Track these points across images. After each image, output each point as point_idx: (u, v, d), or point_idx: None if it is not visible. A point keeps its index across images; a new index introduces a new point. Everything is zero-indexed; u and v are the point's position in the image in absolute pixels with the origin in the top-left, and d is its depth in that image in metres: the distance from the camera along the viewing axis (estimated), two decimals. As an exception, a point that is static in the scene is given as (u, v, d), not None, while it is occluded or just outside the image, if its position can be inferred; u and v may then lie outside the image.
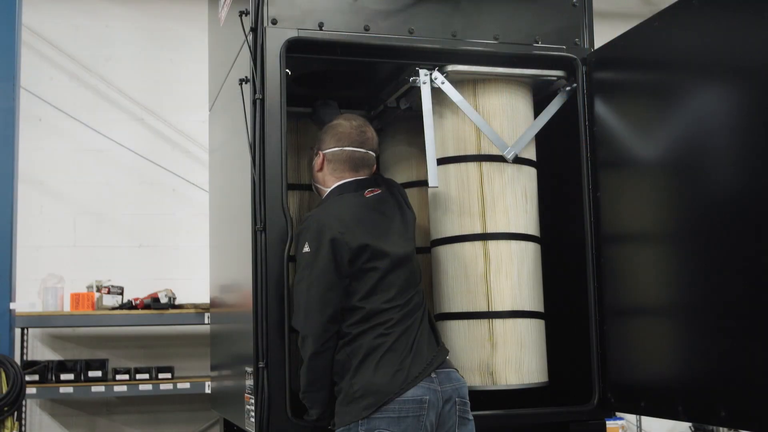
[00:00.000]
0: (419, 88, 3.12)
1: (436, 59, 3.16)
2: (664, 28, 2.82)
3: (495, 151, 3.15)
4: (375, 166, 3.10)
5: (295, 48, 2.99)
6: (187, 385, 5.48)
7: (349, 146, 2.97)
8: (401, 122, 3.71)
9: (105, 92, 6.23)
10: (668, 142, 2.80)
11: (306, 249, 2.76)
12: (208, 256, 4.35)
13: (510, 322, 3.07)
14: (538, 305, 3.19)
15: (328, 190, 2.98)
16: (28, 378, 5.14)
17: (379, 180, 3.07)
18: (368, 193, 2.94)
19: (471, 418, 2.76)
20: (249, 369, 2.97)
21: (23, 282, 5.01)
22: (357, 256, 2.73)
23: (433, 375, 2.68)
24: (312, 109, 3.42)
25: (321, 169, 3.00)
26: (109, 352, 5.90)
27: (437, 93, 3.16)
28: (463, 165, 3.17)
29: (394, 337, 2.70)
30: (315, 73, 3.42)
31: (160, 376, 5.52)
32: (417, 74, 3.13)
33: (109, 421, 5.97)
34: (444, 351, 2.82)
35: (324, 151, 2.99)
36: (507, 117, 3.21)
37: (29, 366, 5.41)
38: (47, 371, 5.43)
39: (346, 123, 3.00)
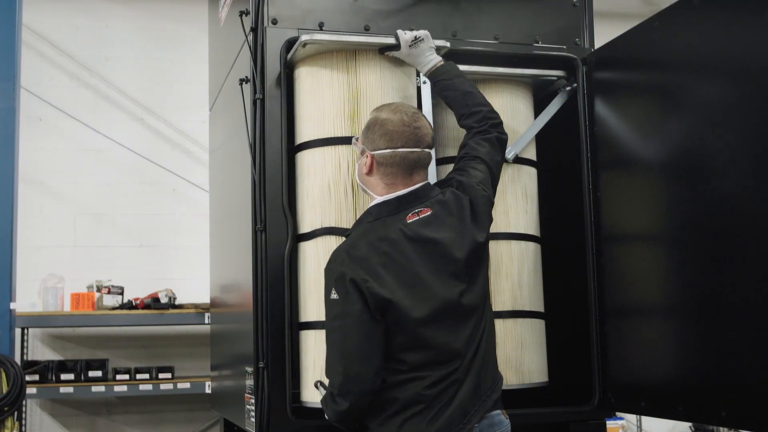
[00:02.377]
0: (419, 88, 3.12)
1: (436, 59, 3.16)
2: (664, 28, 2.82)
3: (495, 151, 3.14)
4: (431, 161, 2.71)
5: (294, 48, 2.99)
6: (187, 385, 5.48)
7: (402, 147, 2.52)
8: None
9: (105, 92, 6.24)
10: (668, 142, 2.80)
11: (334, 296, 2.41)
12: (208, 256, 4.35)
13: (510, 322, 3.06)
14: (538, 305, 3.19)
15: (369, 206, 2.59)
16: (28, 378, 5.14)
17: (434, 192, 2.59)
18: (411, 217, 2.49)
19: None
20: (249, 369, 2.97)
21: (23, 282, 5.02)
22: (384, 310, 2.38)
23: (475, 426, 2.43)
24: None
25: (370, 172, 2.57)
26: (109, 352, 5.90)
27: (437, 93, 3.16)
28: (463, 165, 3.17)
29: (434, 391, 2.39)
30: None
31: (160, 376, 5.52)
32: (417, 74, 3.13)
33: (109, 421, 5.97)
34: (494, 393, 2.50)
35: (373, 153, 2.55)
36: (507, 117, 3.20)
37: (29, 366, 5.42)
38: (47, 371, 5.44)
39: (396, 117, 2.54)
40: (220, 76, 3.89)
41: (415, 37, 2.87)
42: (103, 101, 6.22)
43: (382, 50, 2.92)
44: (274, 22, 2.99)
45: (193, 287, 5.87)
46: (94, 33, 6.27)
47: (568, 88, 3.29)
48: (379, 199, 2.56)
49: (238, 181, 3.29)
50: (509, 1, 3.26)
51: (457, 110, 2.87)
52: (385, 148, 2.53)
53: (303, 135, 2.95)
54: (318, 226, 2.84)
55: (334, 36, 2.91)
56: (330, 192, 2.84)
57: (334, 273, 2.43)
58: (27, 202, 5.77)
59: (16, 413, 4.20)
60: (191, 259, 6.12)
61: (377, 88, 2.88)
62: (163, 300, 5.55)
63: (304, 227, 2.90)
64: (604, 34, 3.30)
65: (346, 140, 2.83)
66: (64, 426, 5.90)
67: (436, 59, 2.91)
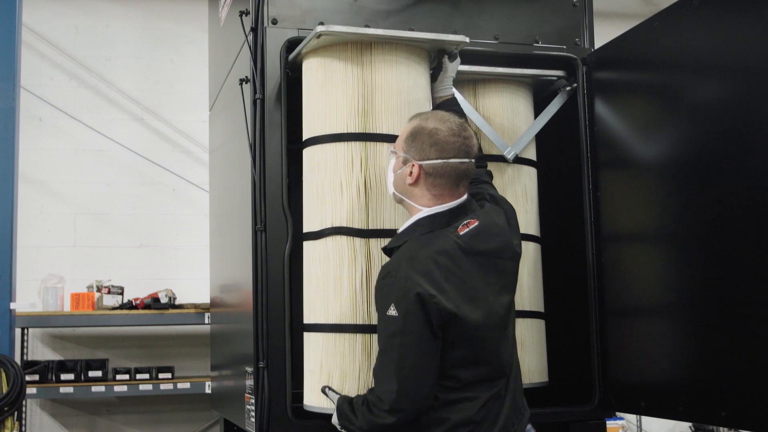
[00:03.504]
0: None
1: (436, 59, 3.16)
2: (664, 28, 2.82)
3: (495, 151, 3.15)
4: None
5: (295, 48, 2.99)
6: (187, 385, 5.48)
7: (454, 158, 2.45)
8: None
9: (105, 92, 6.24)
10: (668, 141, 2.80)
11: (392, 312, 2.32)
12: (208, 256, 4.35)
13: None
14: (538, 305, 3.19)
15: (416, 217, 2.49)
16: (28, 378, 5.14)
17: (474, 205, 2.57)
18: (462, 228, 2.44)
19: None
20: (249, 369, 2.97)
21: (23, 282, 5.02)
22: (448, 324, 2.32)
23: None
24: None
25: (416, 182, 2.47)
26: (109, 352, 5.90)
27: (437, 93, 3.16)
28: (463, 165, 3.17)
29: (483, 412, 2.38)
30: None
31: (160, 376, 5.52)
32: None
33: (109, 421, 5.97)
34: (526, 410, 2.52)
35: (422, 163, 2.45)
36: (507, 117, 3.21)
37: (29, 366, 5.42)
38: (47, 371, 5.44)
39: (445, 127, 2.47)
40: (220, 76, 3.89)
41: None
42: (103, 101, 6.22)
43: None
44: (274, 22, 2.99)
45: (193, 287, 5.87)
46: (94, 33, 6.27)
47: (568, 88, 3.30)
48: (428, 211, 2.47)
49: (238, 181, 3.29)
50: (509, 1, 3.26)
51: None
52: (436, 159, 2.44)
53: (312, 129, 2.85)
54: (328, 225, 2.76)
55: (352, 28, 2.81)
56: (342, 190, 2.75)
57: (395, 288, 2.33)
58: (27, 202, 5.78)
59: (16, 413, 4.19)
60: (191, 259, 6.12)
61: (393, 83, 2.79)
62: (163, 300, 5.55)
63: (312, 225, 2.81)
64: (604, 34, 3.30)
65: (359, 137, 2.75)
66: (64, 426, 5.90)
67: (452, 89, 2.96)
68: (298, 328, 2.88)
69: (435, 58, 2.92)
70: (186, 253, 6.17)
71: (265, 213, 2.89)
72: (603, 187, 3.14)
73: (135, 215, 6.17)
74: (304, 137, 2.88)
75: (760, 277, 2.38)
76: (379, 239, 2.71)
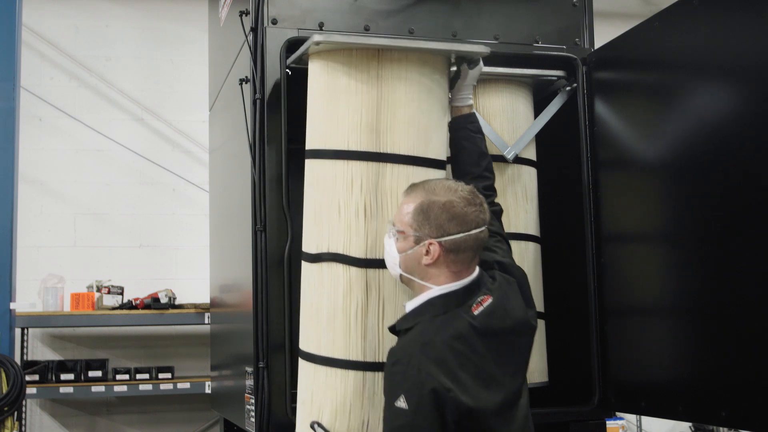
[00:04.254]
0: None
1: (436, 59, 3.16)
2: (664, 28, 2.82)
3: (495, 151, 3.14)
4: None
5: (295, 48, 2.99)
6: (187, 385, 5.48)
7: (474, 228, 2.28)
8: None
9: (105, 92, 6.24)
10: (668, 141, 2.80)
11: (402, 404, 2.11)
12: (208, 256, 4.35)
13: (510, 322, 3.06)
14: (538, 305, 3.18)
15: (427, 296, 2.29)
16: (28, 378, 5.14)
17: (485, 278, 2.36)
18: (476, 307, 2.26)
19: None
20: (249, 369, 2.97)
21: (23, 282, 5.02)
22: (463, 418, 2.14)
23: None
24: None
25: (434, 263, 2.27)
26: (109, 352, 5.91)
27: (437, 93, 3.16)
28: (463, 165, 3.17)
29: None
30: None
31: (160, 376, 5.53)
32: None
33: (109, 421, 5.97)
34: None
35: (443, 240, 2.26)
36: (507, 117, 3.20)
37: (29, 366, 5.42)
38: (47, 371, 5.44)
39: (458, 197, 2.29)
40: (220, 76, 3.88)
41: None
42: (103, 101, 6.22)
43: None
44: (274, 22, 2.99)
45: (193, 287, 5.88)
46: (94, 33, 6.27)
47: (568, 88, 3.29)
48: (440, 290, 2.28)
49: (238, 181, 3.29)
50: (509, 1, 3.26)
51: (467, 165, 2.72)
52: (458, 233, 2.25)
53: (314, 140, 2.69)
54: (324, 250, 2.60)
55: (353, 37, 2.67)
56: (339, 212, 2.58)
57: (406, 379, 2.13)
58: (27, 202, 5.78)
59: (16, 413, 4.19)
60: (191, 259, 6.12)
61: (403, 96, 2.60)
62: (163, 300, 5.55)
63: (309, 246, 2.67)
64: (604, 34, 3.30)
65: (362, 155, 2.58)
66: (64, 426, 5.90)
67: (470, 99, 2.79)
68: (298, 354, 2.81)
69: (454, 63, 2.75)
70: (186, 253, 6.17)
71: (265, 213, 2.89)
72: (603, 187, 3.14)
73: (135, 215, 6.17)
74: (307, 146, 2.72)
75: (760, 277, 2.38)
76: (378, 270, 2.57)
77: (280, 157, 2.91)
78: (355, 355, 2.54)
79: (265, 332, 2.84)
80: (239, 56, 3.31)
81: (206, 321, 5.39)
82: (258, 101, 2.93)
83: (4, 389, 4.07)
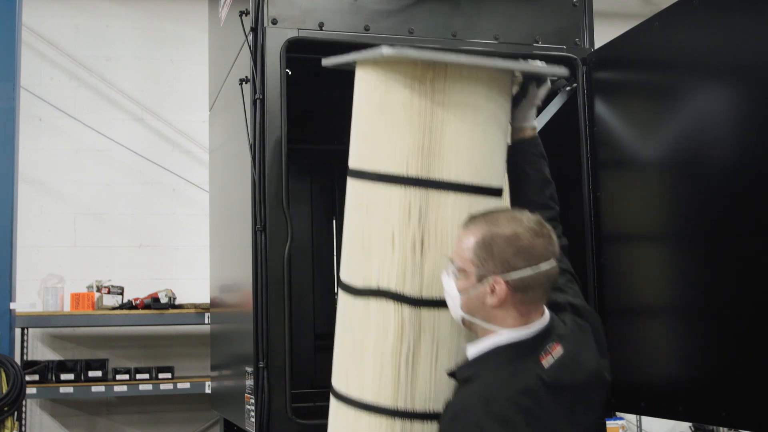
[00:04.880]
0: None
1: (436, 59, 3.15)
2: (664, 28, 2.82)
3: (495, 151, 3.14)
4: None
5: (295, 48, 2.99)
6: (187, 385, 5.48)
7: (545, 263, 2.05)
8: (401, 122, 3.70)
9: (105, 92, 6.24)
10: (668, 141, 2.80)
11: None
12: (208, 256, 4.35)
13: (510, 322, 3.05)
14: (538, 305, 3.19)
15: (493, 342, 2.06)
16: (28, 378, 5.14)
17: (556, 322, 2.13)
18: (545, 357, 2.03)
19: None
20: (249, 369, 2.97)
21: (23, 282, 5.02)
22: None
23: None
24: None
25: (501, 304, 2.05)
26: (109, 352, 5.91)
27: (437, 93, 3.15)
28: (463, 165, 3.16)
29: None
30: (315, 72, 3.42)
31: (160, 376, 5.53)
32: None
33: (109, 421, 5.97)
34: None
35: (509, 276, 2.03)
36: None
37: (29, 366, 5.42)
38: (47, 371, 5.44)
39: (523, 228, 2.06)
40: (220, 76, 3.89)
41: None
42: (103, 101, 6.22)
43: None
44: (274, 22, 2.99)
45: (193, 287, 5.88)
46: (94, 33, 6.27)
47: (568, 88, 3.29)
48: (508, 336, 2.05)
49: (238, 181, 3.29)
50: (509, 1, 3.26)
51: (530, 193, 2.53)
52: (524, 268, 2.02)
53: (362, 158, 2.42)
54: (373, 285, 2.32)
55: (427, 53, 2.34)
56: (393, 244, 2.29)
57: None
58: (27, 202, 5.78)
59: (16, 413, 4.19)
60: (191, 259, 6.12)
61: (467, 118, 2.34)
62: (163, 300, 5.55)
63: (353, 277, 2.38)
64: (604, 34, 3.30)
65: (421, 182, 2.30)
66: (64, 426, 5.90)
67: (535, 121, 2.57)
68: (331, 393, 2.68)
69: (519, 80, 2.53)
70: (186, 253, 6.17)
71: (265, 213, 2.89)
72: (603, 187, 3.14)
73: (135, 215, 6.17)
74: (352, 163, 2.46)
75: (761, 276, 2.38)
76: (433, 309, 2.30)
77: (280, 157, 2.91)
78: (404, 404, 2.28)
79: (265, 332, 2.84)
80: (239, 56, 3.31)
81: (206, 321, 5.39)
82: (258, 101, 2.93)
83: (4, 389, 4.07)
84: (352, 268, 2.38)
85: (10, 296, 4.34)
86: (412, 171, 2.30)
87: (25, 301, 5.25)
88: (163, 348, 6.07)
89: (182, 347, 6.06)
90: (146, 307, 5.55)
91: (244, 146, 3.07)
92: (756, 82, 2.42)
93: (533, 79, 2.51)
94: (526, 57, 2.58)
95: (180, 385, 5.49)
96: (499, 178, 2.46)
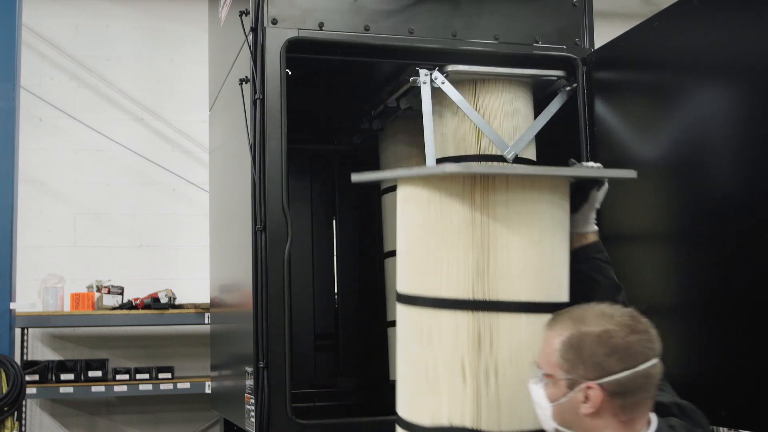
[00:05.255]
0: (419, 88, 3.12)
1: (436, 59, 3.16)
2: (664, 28, 2.82)
3: (495, 151, 3.14)
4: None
5: (295, 48, 2.99)
6: (187, 385, 5.48)
7: (644, 363, 1.81)
8: (401, 122, 3.71)
9: (105, 92, 6.23)
10: (668, 142, 2.80)
11: None
12: (208, 256, 4.35)
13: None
14: (538, 305, 3.18)
15: None
16: (28, 378, 5.14)
17: (663, 427, 1.91)
18: None
19: None
20: (249, 369, 2.97)
21: (23, 282, 5.01)
22: None
23: None
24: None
25: (599, 411, 1.79)
26: (109, 352, 5.90)
27: (437, 93, 3.16)
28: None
29: None
30: (315, 72, 3.42)
31: (160, 376, 5.52)
32: (417, 74, 3.13)
33: (109, 421, 5.97)
34: None
35: (603, 381, 1.78)
36: (507, 117, 3.20)
37: (29, 366, 5.42)
38: (47, 371, 5.44)
39: (615, 324, 1.83)
40: (220, 76, 3.89)
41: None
42: (103, 101, 6.22)
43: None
44: (274, 22, 2.99)
45: (193, 287, 5.87)
46: (94, 33, 6.27)
47: (568, 88, 3.30)
48: None
49: (238, 181, 3.29)
50: (509, 1, 3.26)
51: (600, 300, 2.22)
52: (622, 371, 1.77)
53: (417, 281, 2.17)
54: (444, 423, 2.07)
55: (484, 168, 2.22)
56: (464, 375, 2.05)
57: None
58: (27, 202, 5.77)
59: (16, 413, 4.19)
60: (191, 259, 6.12)
61: (533, 232, 2.13)
62: (163, 300, 5.55)
63: (419, 416, 2.12)
64: (604, 34, 3.30)
65: (487, 305, 2.08)
66: (64, 426, 5.90)
67: (596, 225, 2.36)
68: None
69: (577, 184, 2.33)
70: (186, 253, 6.17)
71: (265, 213, 2.89)
72: (603, 187, 3.14)
73: (135, 215, 6.17)
74: (403, 288, 2.21)
75: (761, 276, 2.38)
76: None
77: (280, 157, 2.91)
78: None
79: (265, 332, 2.84)
80: (239, 56, 3.31)
81: (206, 321, 5.38)
82: (258, 101, 2.93)
83: (4, 389, 4.07)
84: (416, 406, 2.13)
85: (10, 296, 4.34)
86: (478, 293, 2.07)
87: (25, 301, 5.24)
88: (163, 348, 6.07)
89: (182, 347, 6.06)
90: (146, 307, 5.55)
91: (244, 146, 3.07)
92: (756, 81, 2.42)
93: (594, 182, 2.32)
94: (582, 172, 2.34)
95: (180, 385, 5.49)
96: (567, 291, 2.24)
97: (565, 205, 2.23)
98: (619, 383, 1.78)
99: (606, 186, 2.34)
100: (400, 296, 2.22)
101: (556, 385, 1.84)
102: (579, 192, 2.30)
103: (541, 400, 1.88)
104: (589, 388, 1.79)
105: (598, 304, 1.95)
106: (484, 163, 3.02)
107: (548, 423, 1.88)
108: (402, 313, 2.21)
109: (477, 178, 2.09)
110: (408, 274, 2.20)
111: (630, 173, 2.25)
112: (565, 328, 1.87)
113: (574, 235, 2.32)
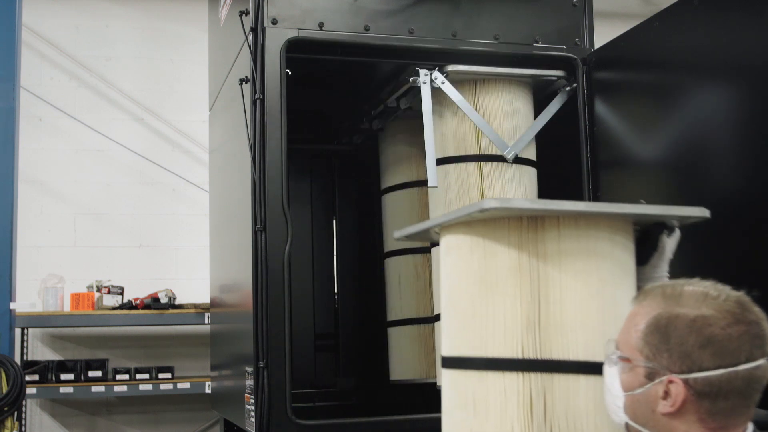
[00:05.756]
0: (419, 88, 3.12)
1: (436, 59, 3.16)
2: (664, 28, 2.82)
3: (495, 151, 3.15)
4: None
5: (295, 48, 2.99)
6: (187, 385, 5.48)
7: (746, 362, 1.46)
8: (401, 122, 3.71)
9: (105, 92, 6.23)
10: (668, 141, 2.80)
11: None
12: (208, 256, 4.35)
13: (510, 322, 3.03)
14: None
15: None
16: (28, 378, 5.14)
17: None
18: None
19: None
20: (249, 369, 2.97)
21: (23, 282, 5.01)
22: None
23: None
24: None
25: (680, 410, 1.47)
26: (109, 352, 5.90)
27: (437, 93, 3.16)
28: (463, 165, 3.17)
29: None
30: (315, 72, 3.42)
31: (160, 376, 5.52)
32: (417, 74, 3.13)
33: (109, 421, 5.97)
34: None
35: (690, 377, 1.46)
36: (507, 117, 3.21)
37: (29, 366, 5.41)
38: (47, 371, 5.43)
39: (715, 310, 1.49)
40: (220, 76, 3.89)
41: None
42: (103, 101, 6.22)
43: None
44: (274, 22, 2.99)
45: (193, 287, 5.87)
46: (94, 33, 6.27)
47: (568, 88, 3.30)
48: None
49: (238, 181, 3.29)
50: (509, 1, 3.26)
51: None
52: (715, 368, 1.45)
53: (461, 340, 1.94)
54: None
55: (537, 203, 2.00)
56: None
57: None
58: (27, 202, 5.77)
59: (15, 413, 4.19)
60: (191, 259, 6.12)
61: (591, 282, 1.84)
62: (163, 300, 5.55)
63: None
64: (604, 34, 3.30)
65: (541, 365, 1.81)
66: (64, 426, 5.89)
67: (667, 276, 2.06)
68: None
69: (644, 231, 2.03)
70: (186, 253, 6.17)
71: (265, 213, 2.89)
72: (603, 187, 3.14)
73: (135, 215, 6.17)
74: (447, 350, 1.98)
75: (761, 276, 2.38)
76: None
77: (280, 157, 2.91)
78: None
79: (265, 332, 2.85)
80: (239, 56, 3.31)
81: (206, 321, 5.38)
82: (258, 101, 2.93)
83: (4, 389, 4.07)
84: None
85: (10, 296, 4.34)
86: (529, 351, 1.81)
87: (25, 301, 5.24)
88: (163, 348, 6.06)
89: (182, 347, 6.06)
90: (146, 307, 5.55)
91: (244, 146, 3.07)
92: (756, 81, 2.42)
93: (662, 227, 2.02)
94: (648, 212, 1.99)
95: (180, 385, 5.48)
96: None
97: (629, 245, 1.94)
98: (709, 382, 1.45)
99: (678, 234, 2.02)
100: (443, 360, 1.99)
101: (633, 372, 1.53)
102: (647, 239, 2.00)
103: (613, 386, 1.58)
104: (671, 382, 1.47)
105: (701, 280, 1.60)
106: (528, 197, 2.90)
107: (618, 415, 1.58)
108: (445, 377, 1.98)
109: (523, 218, 1.87)
110: (449, 333, 1.96)
111: (702, 212, 1.97)
112: (653, 305, 1.54)
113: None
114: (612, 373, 1.59)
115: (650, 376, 1.51)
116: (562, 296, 1.81)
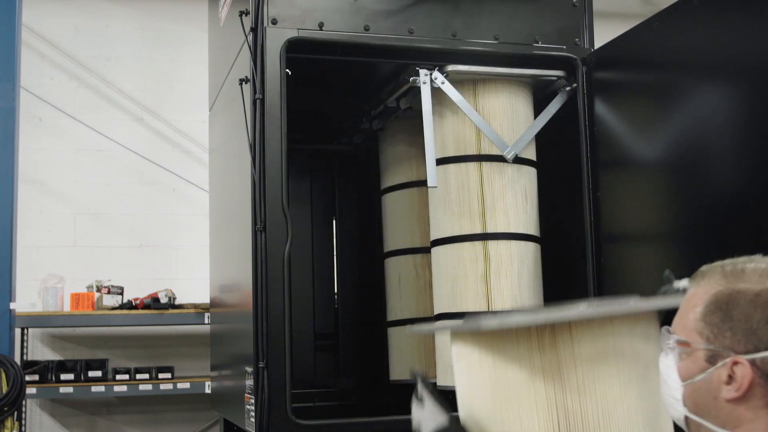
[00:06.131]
0: (419, 88, 3.12)
1: (436, 59, 3.16)
2: (664, 28, 2.82)
3: (495, 151, 3.15)
4: None
5: (295, 48, 3.00)
6: (187, 385, 5.48)
7: None
8: (401, 122, 3.71)
9: (105, 92, 6.23)
10: (668, 141, 2.80)
11: None
12: (208, 256, 4.35)
13: (510, 323, 3.03)
14: (538, 305, 3.19)
15: None
16: (28, 378, 5.14)
17: None
18: None
19: None
20: (249, 369, 2.97)
21: (23, 282, 5.01)
22: None
23: None
24: None
25: (746, 395, 1.33)
26: (109, 352, 5.90)
27: (437, 93, 3.16)
28: (463, 165, 3.17)
29: None
30: (315, 72, 3.42)
31: (160, 376, 5.52)
32: (417, 74, 3.13)
33: (109, 421, 5.97)
34: None
35: (757, 356, 1.33)
36: (507, 117, 3.21)
37: (29, 366, 5.41)
38: (47, 371, 5.43)
39: None
40: (220, 76, 3.89)
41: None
42: (103, 101, 6.22)
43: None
44: (274, 22, 2.99)
45: (193, 287, 5.87)
46: (94, 33, 6.27)
47: (568, 88, 3.30)
48: None
49: (238, 181, 3.29)
50: (509, 1, 3.26)
51: None
52: None
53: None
54: None
55: (542, 314, 1.77)
56: None
57: None
58: (27, 202, 5.77)
59: (15, 413, 4.19)
60: (191, 259, 6.12)
61: (607, 377, 1.68)
62: (163, 300, 5.55)
63: None
64: (604, 34, 3.30)
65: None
66: (64, 426, 5.89)
67: None
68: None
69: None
70: (186, 253, 6.17)
71: (265, 213, 2.89)
72: (603, 187, 3.14)
73: (135, 215, 6.17)
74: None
75: (760, 277, 2.38)
76: None
77: (280, 157, 2.91)
78: None
79: (265, 332, 2.85)
80: (239, 56, 3.31)
81: (206, 321, 5.38)
82: (258, 101, 2.93)
83: (4, 389, 4.07)
84: None
85: (10, 296, 4.34)
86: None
87: (25, 301, 5.24)
88: (163, 348, 6.07)
89: (182, 347, 6.06)
90: (146, 307, 5.55)
91: (244, 146, 3.07)
92: (756, 81, 2.42)
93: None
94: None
95: (180, 385, 5.48)
96: None
97: (654, 333, 1.71)
98: None
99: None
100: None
101: (693, 357, 1.39)
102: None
103: (669, 376, 1.43)
104: (735, 363, 1.33)
105: (764, 256, 1.45)
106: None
107: (677, 408, 1.43)
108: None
109: (532, 327, 1.70)
110: None
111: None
112: (713, 283, 1.41)
113: None
114: (668, 363, 1.44)
115: (712, 360, 1.36)
116: (581, 404, 1.66)
